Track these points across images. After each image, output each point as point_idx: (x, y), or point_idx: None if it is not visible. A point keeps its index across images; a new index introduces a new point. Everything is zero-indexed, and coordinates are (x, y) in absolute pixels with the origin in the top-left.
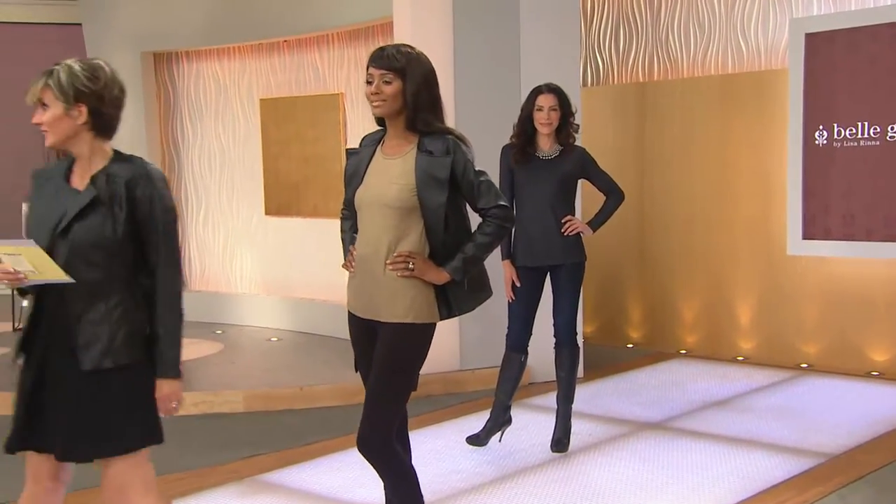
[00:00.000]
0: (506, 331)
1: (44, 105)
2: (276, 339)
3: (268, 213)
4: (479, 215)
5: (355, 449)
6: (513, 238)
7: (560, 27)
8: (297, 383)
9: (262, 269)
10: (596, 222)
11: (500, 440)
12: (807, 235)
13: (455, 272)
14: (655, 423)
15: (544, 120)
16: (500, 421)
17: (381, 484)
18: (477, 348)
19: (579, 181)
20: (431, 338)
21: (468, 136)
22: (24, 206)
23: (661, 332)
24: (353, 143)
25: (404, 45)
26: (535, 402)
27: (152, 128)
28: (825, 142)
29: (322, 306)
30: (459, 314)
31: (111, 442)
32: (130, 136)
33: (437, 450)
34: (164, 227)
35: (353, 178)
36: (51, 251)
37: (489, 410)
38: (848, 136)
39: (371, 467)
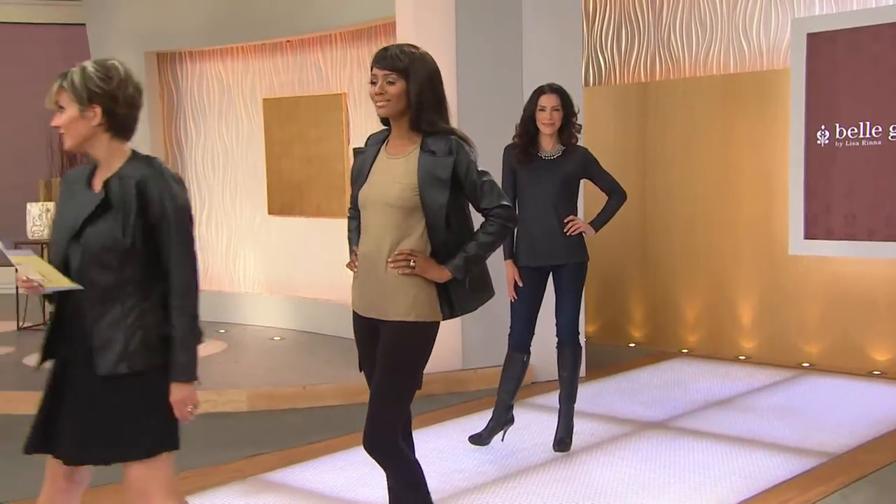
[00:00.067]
0: (508, 330)
1: (60, 108)
2: (279, 338)
3: (271, 212)
4: (482, 215)
5: (358, 448)
6: (515, 238)
7: (562, 27)
8: (301, 382)
9: (266, 269)
10: (598, 222)
11: (502, 439)
12: (808, 235)
13: (457, 270)
14: (657, 422)
15: (547, 120)
16: (502, 420)
17: (384, 483)
18: (479, 348)
19: (581, 181)
20: (434, 337)
21: (471, 136)
22: (30, 206)
23: (663, 331)
24: (356, 142)
25: (408, 45)
26: (538, 402)
27: (156, 128)
28: (827, 142)
29: (325, 306)
30: (462, 314)
31: (126, 447)
32: (134, 136)
33: (439, 449)
34: (177, 228)
35: (359, 177)
36: (67, 255)
37: (491, 410)
38: (850, 135)
39: (375, 466)
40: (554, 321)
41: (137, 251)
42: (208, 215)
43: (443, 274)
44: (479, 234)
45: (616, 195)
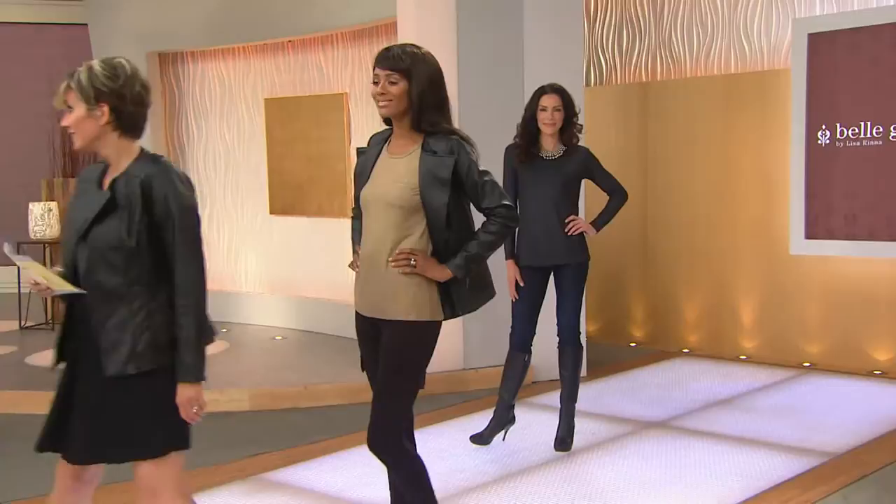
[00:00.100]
0: (509, 330)
1: (69, 107)
2: (280, 337)
3: (272, 212)
4: (484, 215)
5: (360, 447)
6: (516, 238)
7: (563, 27)
8: (302, 382)
9: (267, 268)
10: (599, 222)
11: (503, 439)
12: (809, 235)
13: (457, 269)
14: (658, 421)
15: (548, 120)
16: (503, 420)
17: (386, 482)
18: (480, 347)
19: (583, 181)
20: (436, 336)
21: (472, 135)
22: (32, 206)
23: (663, 330)
24: (357, 142)
25: (410, 45)
26: (539, 401)
27: (157, 128)
28: (828, 142)
29: (326, 305)
30: (463, 314)
31: (135, 447)
32: None
33: (440, 449)
34: (182, 227)
35: (361, 176)
36: (75, 255)
37: (493, 409)
38: (850, 135)
39: (376, 466)
40: (555, 321)
41: (143, 251)
42: (210, 215)
43: (444, 273)
44: (481, 233)
45: (617, 195)
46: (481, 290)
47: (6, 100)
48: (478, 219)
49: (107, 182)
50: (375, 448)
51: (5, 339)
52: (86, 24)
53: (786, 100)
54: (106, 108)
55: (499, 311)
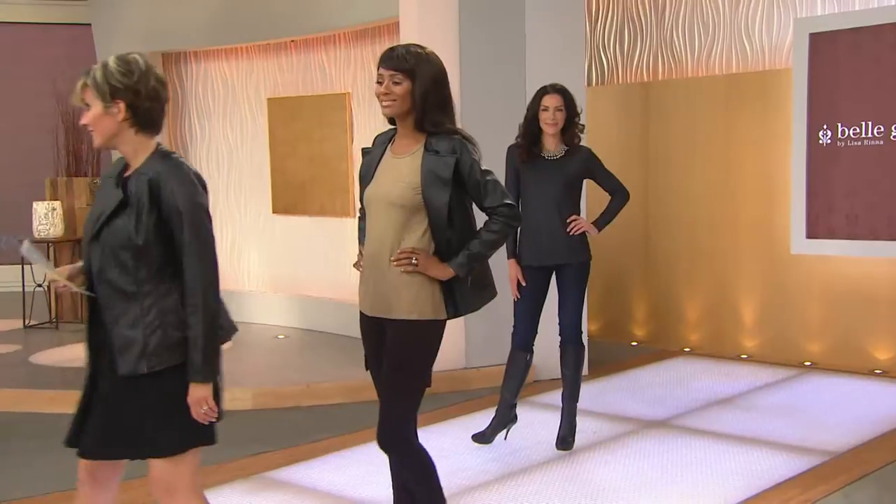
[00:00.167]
0: (511, 329)
1: (87, 105)
2: (283, 336)
3: (275, 211)
4: (486, 214)
5: (362, 446)
6: (518, 237)
7: (565, 27)
8: (304, 381)
9: (270, 267)
10: (601, 222)
11: (505, 438)
12: (810, 234)
13: (459, 268)
14: (660, 420)
15: (550, 120)
16: (505, 419)
17: (388, 481)
18: (482, 346)
19: (585, 181)
20: (439, 335)
21: (474, 136)
22: (36, 205)
23: (665, 330)
24: (360, 142)
25: (415, 45)
26: (541, 400)
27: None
28: (829, 141)
29: (329, 304)
30: (465, 313)
31: (148, 446)
32: None
33: (442, 447)
34: (190, 225)
35: (365, 176)
36: (89, 254)
37: (495, 408)
38: (852, 135)
39: (378, 465)
40: (557, 320)
41: (152, 249)
42: (213, 214)
43: (446, 272)
44: (483, 232)
45: (619, 195)
46: (483, 290)
47: (10, 99)
48: (479, 218)
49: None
50: (384, 444)
51: (9, 338)
52: (89, 24)
53: (787, 99)
54: (122, 105)
55: (501, 310)
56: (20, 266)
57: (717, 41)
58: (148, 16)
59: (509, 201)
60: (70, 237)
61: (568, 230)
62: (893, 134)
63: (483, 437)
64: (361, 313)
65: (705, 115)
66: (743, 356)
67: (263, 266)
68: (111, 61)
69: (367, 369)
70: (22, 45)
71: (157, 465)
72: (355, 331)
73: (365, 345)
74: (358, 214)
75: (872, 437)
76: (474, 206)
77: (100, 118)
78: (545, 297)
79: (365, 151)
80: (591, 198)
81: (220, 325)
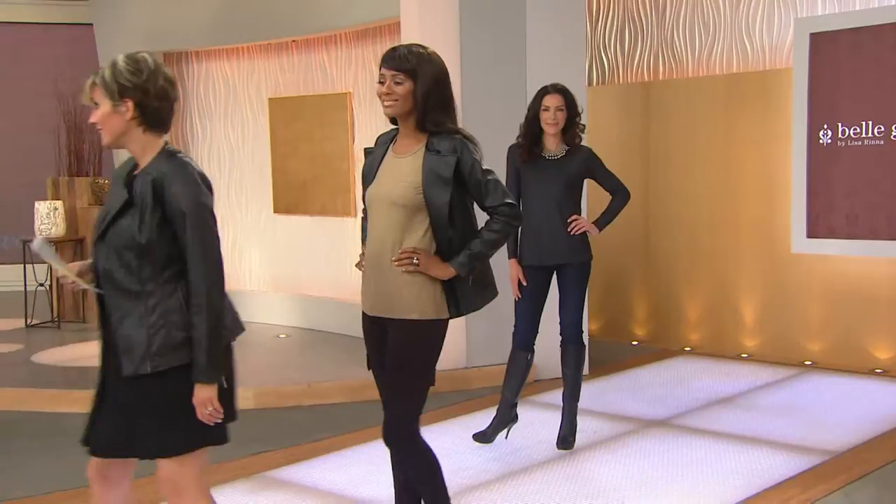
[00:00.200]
0: (512, 329)
1: (96, 104)
2: (284, 335)
3: (276, 211)
4: (487, 213)
5: (363, 445)
6: (519, 237)
7: (566, 27)
8: (306, 380)
9: (271, 267)
10: (602, 222)
11: (506, 437)
12: (811, 234)
13: (460, 267)
14: (660, 420)
15: (551, 120)
16: (506, 418)
17: (388, 480)
18: (483, 346)
19: (585, 181)
20: (442, 334)
21: (475, 135)
22: (38, 204)
23: (665, 329)
24: (361, 142)
25: (417, 46)
26: (541, 400)
27: None
28: (829, 141)
29: (330, 303)
30: (467, 312)
31: (152, 446)
32: None
33: (443, 447)
34: (192, 226)
35: (367, 176)
36: (96, 253)
37: (496, 408)
38: (852, 135)
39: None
40: (557, 319)
41: (156, 249)
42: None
43: (447, 271)
44: (484, 231)
45: (620, 195)
46: (484, 289)
47: (12, 99)
48: (481, 217)
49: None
50: (389, 443)
51: (11, 337)
52: (91, 24)
53: (787, 99)
54: (130, 104)
55: (502, 309)
56: (22, 265)
57: (718, 41)
58: (149, 16)
59: (510, 200)
60: (72, 237)
61: (569, 230)
62: (894, 134)
63: (484, 437)
64: (363, 313)
65: (706, 114)
66: (743, 356)
67: (265, 265)
68: (120, 60)
69: (369, 369)
70: (23, 45)
71: (164, 465)
72: (356, 330)
73: (367, 344)
74: (361, 215)
75: (872, 436)
76: (475, 205)
77: (108, 117)
78: (546, 296)
79: (367, 151)
80: (592, 197)
81: (224, 325)
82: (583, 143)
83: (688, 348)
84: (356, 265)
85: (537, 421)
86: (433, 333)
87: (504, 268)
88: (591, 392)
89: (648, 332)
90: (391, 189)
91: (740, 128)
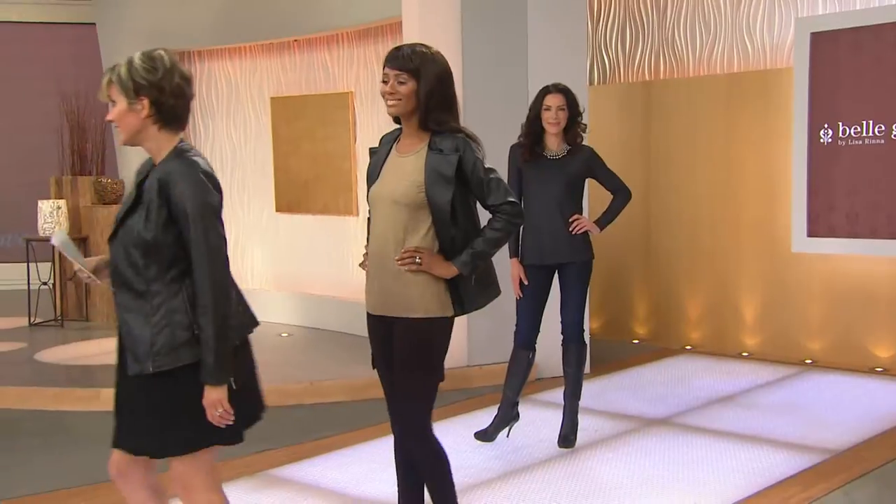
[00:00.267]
0: (514, 327)
1: (113, 102)
2: (286, 334)
3: (278, 210)
4: (489, 212)
5: (365, 444)
6: (520, 237)
7: (567, 26)
8: (308, 378)
9: (273, 266)
10: (603, 221)
11: (507, 436)
12: (811, 233)
13: (463, 266)
14: (661, 418)
15: (552, 120)
16: (507, 417)
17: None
18: (485, 344)
19: (587, 180)
20: (447, 331)
21: (476, 135)
22: (41, 203)
23: (666, 328)
24: (363, 141)
25: (420, 45)
26: (543, 398)
27: None
28: (830, 140)
29: (332, 302)
30: (471, 310)
31: (158, 444)
32: None
33: (445, 445)
34: (196, 226)
35: (372, 175)
36: (111, 252)
37: (497, 406)
38: (853, 134)
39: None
40: (559, 318)
41: (161, 248)
42: None
43: (450, 270)
44: (486, 230)
45: (621, 194)
46: (487, 287)
47: (16, 98)
48: (483, 216)
49: None
50: (402, 439)
51: (15, 336)
52: (94, 24)
53: (788, 99)
54: (146, 102)
55: (503, 308)
56: (25, 264)
57: (719, 40)
58: (152, 15)
59: (512, 199)
60: (75, 236)
61: (570, 229)
62: (894, 133)
63: (485, 435)
64: (368, 312)
65: (706, 114)
66: (744, 354)
67: (267, 264)
68: (136, 58)
69: (373, 368)
70: (27, 45)
71: (175, 463)
72: (358, 329)
73: (372, 344)
74: (368, 216)
75: (873, 435)
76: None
77: (124, 115)
78: (547, 295)
79: (372, 151)
80: (593, 197)
81: (230, 326)
82: (584, 142)
83: (689, 347)
84: (360, 265)
85: (538, 419)
86: (439, 330)
87: (505, 267)
88: (593, 390)
89: (649, 330)
90: (394, 188)
91: (741, 127)
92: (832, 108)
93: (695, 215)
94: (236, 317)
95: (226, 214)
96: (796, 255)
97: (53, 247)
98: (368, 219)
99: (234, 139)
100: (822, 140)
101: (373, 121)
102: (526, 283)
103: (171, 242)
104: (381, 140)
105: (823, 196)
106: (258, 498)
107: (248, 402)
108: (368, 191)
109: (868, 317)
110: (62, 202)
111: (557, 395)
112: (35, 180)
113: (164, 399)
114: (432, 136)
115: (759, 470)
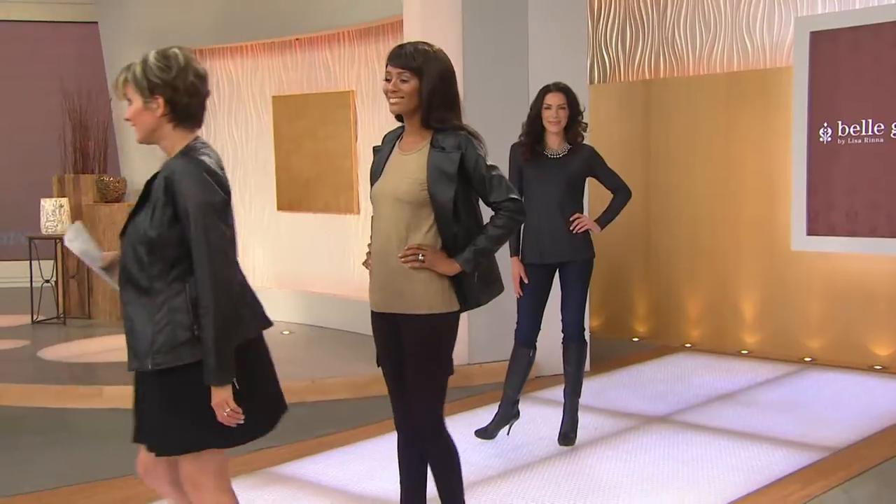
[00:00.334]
0: (514, 326)
1: (129, 100)
2: (287, 332)
3: (280, 208)
4: (492, 209)
5: (366, 441)
6: (521, 235)
7: (567, 25)
8: (309, 376)
9: (275, 264)
10: (604, 220)
11: (507, 433)
12: (811, 231)
13: (466, 263)
14: (661, 416)
15: (553, 118)
16: (508, 415)
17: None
18: (485, 342)
19: (587, 179)
20: (453, 326)
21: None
22: (43, 202)
23: (666, 326)
24: (364, 139)
25: (423, 44)
26: (543, 396)
27: None
28: (829, 139)
29: (333, 300)
30: (475, 306)
31: (161, 442)
32: None
33: None
34: (197, 225)
35: (375, 173)
36: (121, 249)
37: (497, 404)
38: (852, 133)
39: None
40: (559, 317)
41: (166, 246)
42: None
43: (452, 267)
44: (489, 227)
45: (621, 193)
46: (490, 284)
47: (19, 97)
48: (485, 213)
49: None
50: (415, 434)
51: (17, 334)
52: (97, 23)
53: (788, 97)
54: (161, 100)
55: (504, 306)
56: (28, 262)
57: (719, 39)
58: (154, 14)
59: (514, 196)
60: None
61: (571, 228)
62: (893, 132)
63: (486, 433)
64: (372, 310)
65: (706, 113)
66: (743, 352)
67: (268, 262)
68: (151, 56)
69: (378, 366)
70: (30, 43)
71: (182, 462)
72: (360, 327)
73: (376, 341)
74: (372, 214)
75: (872, 432)
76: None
77: (140, 113)
78: (548, 294)
79: (376, 150)
80: (594, 196)
81: (232, 326)
82: (585, 141)
83: (688, 345)
84: (363, 263)
85: (539, 417)
86: (445, 326)
87: (506, 265)
88: (593, 388)
89: (649, 328)
90: (396, 185)
91: (741, 126)
92: (832, 107)
93: (695, 214)
94: (243, 317)
95: None
96: (796, 253)
97: (56, 245)
98: (373, 218)
99: (235, 138)
100: (821, 139)
101: (374, 119)
102: (526, 281)
103: (175, 241)
104: (383, 138)
105: (823, 195)
106: (260, 495)
107: (261, 407)
108: (371, 189)
109: (867, 315)
110: (65, 200)
111: (557, 392)
112: (38, 178)
113: (165, 398)
114: (435, 134)
115: (759, 468)
